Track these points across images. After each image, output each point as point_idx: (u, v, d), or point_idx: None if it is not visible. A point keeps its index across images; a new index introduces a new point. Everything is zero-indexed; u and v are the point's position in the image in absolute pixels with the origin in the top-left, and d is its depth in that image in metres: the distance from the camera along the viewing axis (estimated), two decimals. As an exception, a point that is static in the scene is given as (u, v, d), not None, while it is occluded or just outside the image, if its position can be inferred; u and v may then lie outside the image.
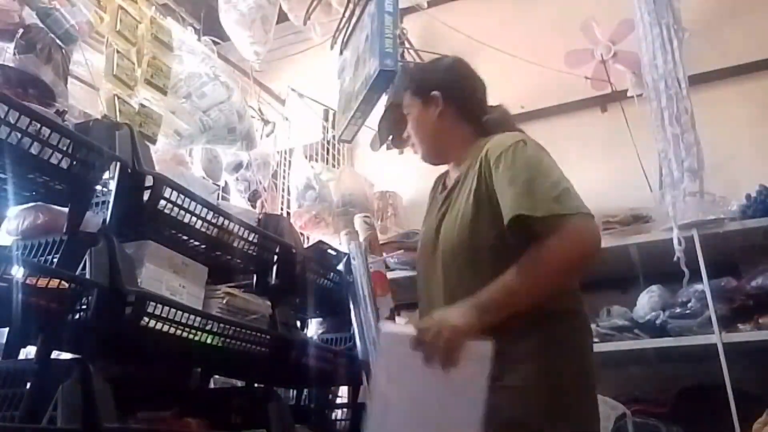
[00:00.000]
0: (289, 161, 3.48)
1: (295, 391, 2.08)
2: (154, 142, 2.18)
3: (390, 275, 2.40)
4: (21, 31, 1.81)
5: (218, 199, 2.25)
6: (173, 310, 1.32)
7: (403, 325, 1.51)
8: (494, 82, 3.46)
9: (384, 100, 2.58)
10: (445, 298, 1.34)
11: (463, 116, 1.50)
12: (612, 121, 3.04)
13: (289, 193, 3.38)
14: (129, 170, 1.36)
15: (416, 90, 1.54)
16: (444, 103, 1.49)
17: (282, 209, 3.36)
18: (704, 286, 2.24)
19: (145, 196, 1.38)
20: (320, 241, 2.27)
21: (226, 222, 1.60)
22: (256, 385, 1.72)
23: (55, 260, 1.24)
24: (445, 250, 1.38)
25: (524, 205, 1.23)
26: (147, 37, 2.26)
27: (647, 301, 2.41)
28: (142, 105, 2.16)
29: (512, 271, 1.21)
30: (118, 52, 2.11)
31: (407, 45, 3.33)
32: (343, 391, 2.23)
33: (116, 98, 2.06)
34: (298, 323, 2.04)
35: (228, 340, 1.49)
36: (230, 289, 1.57)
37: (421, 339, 1.12)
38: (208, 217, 1.54)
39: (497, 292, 1.21)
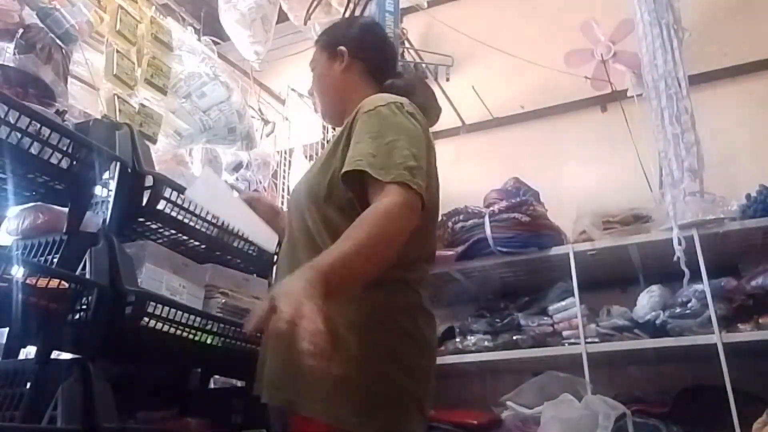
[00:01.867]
0: (289, 161, 3.48)
1: (295, 391, 2.08)
2: (154, 141, 2.18)
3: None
4: (21, 31, 1.81)
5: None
6: (173, 310, 1.33)
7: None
8: (494, 82, 3.49)
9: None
10: (286, 249, 1.30)
11: (366, 76, 1.42)
12: (612, 121, 3.04)
13: (289, 193, 3.38)
14: (129, 170, 1.36)
15: (323, 44, 1.46)
16: (349, 59, 1.41)
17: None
18: (704, 286, 2.24)
19: (145, 196, 1.38)
20: (320, 241, 2.27)
21: (226, 222, 1.60)
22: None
23: (55, 260, 1.24)
24: (292, 201, 1.32)
25: (376, 164, 1.11)
26: (147, 37, 2.26)
27: (647, 301, 2.41)
28: (142, 105, 2.17)
29: (348, 235, 1.04)
30: (118, 51, 2.11)
31: (407, 45, 3.34)
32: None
33: (116, 98, 2.06)
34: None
35: (228, 340, 1.49)
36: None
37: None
38: (208, 217, 1.54)
39: (334, 259, 1.00)
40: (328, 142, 3.70)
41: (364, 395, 1.11)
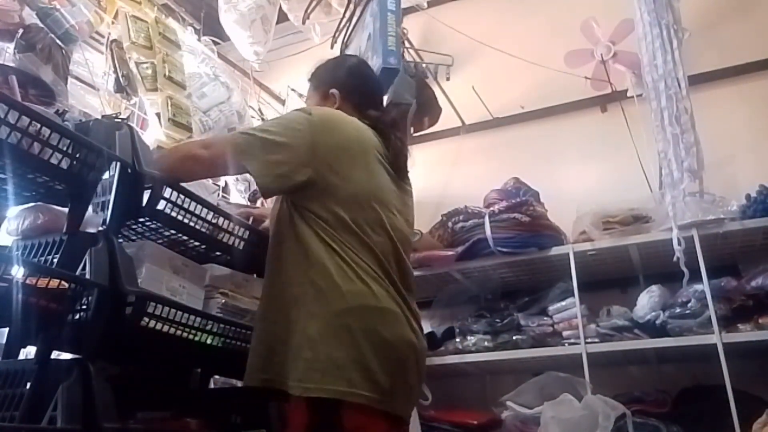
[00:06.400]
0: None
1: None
2: (190, 129, 2.21)
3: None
4: (21, 31, 1.82)
5: (218, 197, 2.26)
6: (173, 311, 1.32)
7: None
8: (494, 82, 3.50)
9: (384, 98, 2.58)
10: None
11: (353, 112, 1.58)
12: (612, 121, 3.04)
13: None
14: (129, 170, 1.36)
15: (316, 86, 1.69)
16: (340, 100, 1.62)
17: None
18: (704, 286, 2.24)
19: (145, 196, 1.38)
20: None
21: (226, 222, 1.60)
22: (256, 385, 1.71)
23: (55, 260, 1.24)
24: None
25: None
26: (156, 37, 2.27)
27: (647, 301, 2.40)
28: (169, 96, 2.19)
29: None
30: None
31: (407, 45, 3.33)
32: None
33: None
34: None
35: (228, 340, 1.49)
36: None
37: None
38: (208, 217, 1.54)
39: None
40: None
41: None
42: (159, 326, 1.29)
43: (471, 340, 2.60)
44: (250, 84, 3.24)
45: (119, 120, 1.48)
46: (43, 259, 1.25)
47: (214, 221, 1.56)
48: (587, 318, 2.47)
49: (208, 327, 1.43)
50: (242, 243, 1.67)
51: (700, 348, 2.23)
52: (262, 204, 3.06)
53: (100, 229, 1.31)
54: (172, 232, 1.51)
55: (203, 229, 1.54)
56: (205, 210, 1.53)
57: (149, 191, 1.38)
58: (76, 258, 1.23)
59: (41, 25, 1.85)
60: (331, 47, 3.23)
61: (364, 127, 1.53)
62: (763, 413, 1.91)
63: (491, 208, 2.66)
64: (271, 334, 1.32)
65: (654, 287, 2.44)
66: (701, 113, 2.43)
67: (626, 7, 2.68)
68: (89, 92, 2.23)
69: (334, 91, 1.62)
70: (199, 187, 1.60)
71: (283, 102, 3.59)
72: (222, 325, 1.47)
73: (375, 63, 2.39)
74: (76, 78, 2.18)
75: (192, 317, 1.38)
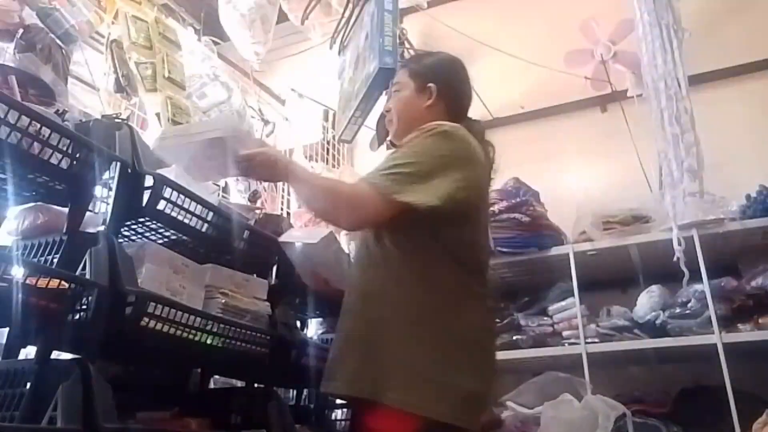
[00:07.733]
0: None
1: (295, 391, 2.08)
2: None
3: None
4: (21, 31, 1.81)
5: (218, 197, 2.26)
6: (173, 311, 1.32)
7: None
8: (494, 82, 3.50)
9: (383, 99, 2.58)
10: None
11: (444, 116, 1.51)
12: (612, 121, 3.04)
13: (289, 193, 3.38)
14: (129, 170, 1.36)
15: (414, 73, 1.57)
16: (436, 98, 1.53)
17: (282, 209, 3.36)
18: (704, 286, 2.24)
19: (145, 196, 1.38)
20: (320, 241, 2.27)
21: (226, 222, 1.60)
22: (256, 385, 1.72)
23: (55, 260, 1.23)
24: None
25: (370, 175, 1.37)
26: (156, 37, 2.28)
27: (647, 301, 2.41)
28: (168, 97, 2.19)
29: (326, 179, 1.59)
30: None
31: (407, 45, 3.33)
32: (343, 391, 2.22)
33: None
34: (298, 323, 2.04)
35: (228, 340, 1.49)
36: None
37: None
38: (208, 217, 1.54)
39: (306, 175, 1.49)
40: (328, 142, 3.71)
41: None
42: (159, 326, 1.29)
43: (471, 340, 2.59)
44: (250, 84, 3.24)
45: (119, 120, 1.48)
46: (43, 259, 1.25)
47: (214, 221, 1.56)
48: (587, 318, 2.47)
49: (209, 327, 1.43)
50: (243, 243, 1.67)
51: (700, 348, 2.23)
52: (263, 204, 3.06)
53: (100, 229, 1.31)
54: (172, 232, 1.51)
55: (203, 229, 1.54)
56: (205, 210, 1.53)
57: (149, 191, 1.38)
58: (76, 258, 1.22)
59: (41, 25, 1.85)
60: (330, 47, 3.23)
61: None
62: (763, 413, 1.91)
63: (491, 208, 2.66)
64: None
65: (654, 287, 2.44)
66: (701, 113, 2.43)
67: (626, 7, 2.68)
68: (89, 92, 2.23)
69: (431, 86, 1.53)
70: (200, 187, 1.60)
71: (283, 102, 3.59)
72: (222, 325, 1.47)
73: (372, 63, 2.40)
74: (76, 78, 2.18)
75: (192, 317, 1.37)
